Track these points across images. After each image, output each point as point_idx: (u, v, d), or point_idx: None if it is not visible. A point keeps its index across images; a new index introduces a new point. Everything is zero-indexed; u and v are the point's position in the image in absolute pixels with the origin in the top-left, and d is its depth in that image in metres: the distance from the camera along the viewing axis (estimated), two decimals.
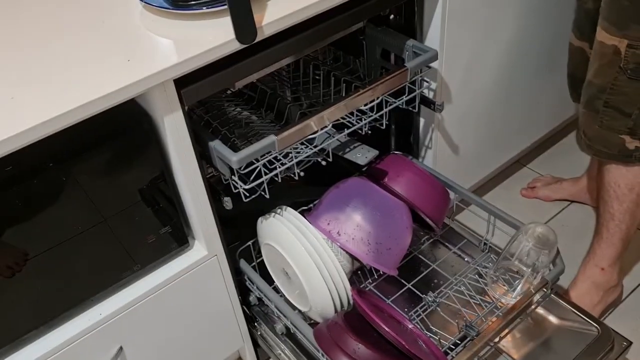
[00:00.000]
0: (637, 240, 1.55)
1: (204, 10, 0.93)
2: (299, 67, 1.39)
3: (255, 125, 1.31)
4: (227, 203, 1.12)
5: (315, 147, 1.10)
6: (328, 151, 1.12)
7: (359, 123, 1.13)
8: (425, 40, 1.26)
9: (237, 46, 0.89)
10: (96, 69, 0.87)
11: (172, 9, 0.95)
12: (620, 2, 1.09)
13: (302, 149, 1.08)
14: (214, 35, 0.89)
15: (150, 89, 0.85)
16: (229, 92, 1.38)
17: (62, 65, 0.89)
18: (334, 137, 1.13)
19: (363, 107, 1.10)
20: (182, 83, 0.90)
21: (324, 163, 1.14)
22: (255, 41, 0.90)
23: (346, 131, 1.13)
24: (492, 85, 1.47)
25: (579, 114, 1.29)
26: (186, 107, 0.92)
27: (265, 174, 1.03)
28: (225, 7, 0.89)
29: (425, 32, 1.25)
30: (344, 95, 1.23)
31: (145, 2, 0.97)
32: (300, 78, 1.39)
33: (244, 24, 0.87)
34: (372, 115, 1.13)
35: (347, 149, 1.19)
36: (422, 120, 1.39)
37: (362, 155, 1.17)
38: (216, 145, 0.99)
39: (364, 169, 1.26)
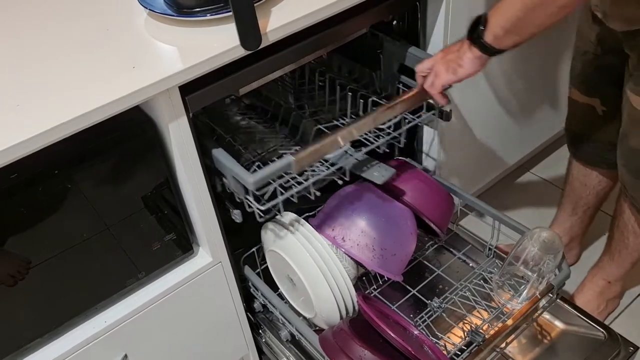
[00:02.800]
0: None
1: (208, 17, 0.94)
2: (303, 74, 1.38)
3: (258, 132, 1.30)
4: (237, 216, 1.09)
5: (332, 165, 1.06)
6: (345, 170, 1.08)
7: (376, 141, 1.10)
8: (428, 47, 1.26)
9: (241, 52, 0.90)
10: (101, 76, 0.87)
11: (177, 16, 0.95)
12: None
13: (318, 167, 1.05)
14: (218, 42, 0.89)
15: (155, 96, 0.85)
16: (232, 98, 1.38)
17: (67, 72, 0.89)
18: (352, 155, 1.08)
19: (382, 125, 1.08)
20: (187, 90, 0.90)
21: (340, 182, 1.11)
22: (260, 47, 0.90)
23: (364, 150, 1.10)
24: (496, 91, 1.47)
25: (623, 179, 1.24)
26: (191, 114, 0.92)
27: (281, 193, 1.01)
28: (230, 13, 0.89)
29: (428, 39, 1.25)
30: (346, 102, 1.23)
31: (149, 9, 0.97)
32: (306, 85, 1.38)
33: (248, 30, 0.87)
34: (391, 134, 1.10)
35: (364, 167, 1.16)
36: (425, 127, 1.38)
37: (379, 174, 1.15)
38: (231, 164, 0.97)
39: None
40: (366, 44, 1.26)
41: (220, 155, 1.00)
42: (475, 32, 0.93)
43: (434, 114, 1.19)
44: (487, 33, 0.92)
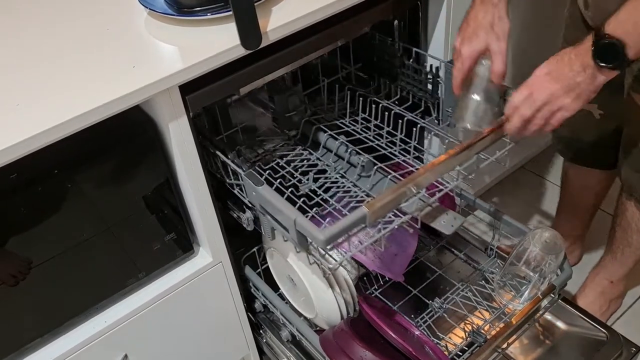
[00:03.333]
0: None
1: (209, 16, 0.93)
2: (303, 74, 1.37)
3: (261, 133, 1.30)
4: (248, 222, 1.05)
5: (403, 214, 0.96)
6: (417, 218, 1.00)
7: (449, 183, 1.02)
8: (429, 48, 1.25)
9: (242, 52, 0.89)
10: (101, 75, 0.87)
11: (177, 15, 0.95)
12: None
13: (390, 216, 0.96)
14: (218, 41, 0.89)
15: (155, 95, 0.85)
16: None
17: (66, 72, 0.89)
18: (424, 202, 0.99)
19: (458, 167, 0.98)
20: (187, 89, 0.90)
21: (411, 230, 1.06)
22: (260, 47, 0.90)
23: (437, 195, 1.00)
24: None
25: (630, 179, 1.23)
26: (191, 114, 0.92)
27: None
28: (230, 13, 0.89)
29: (429, 39, 1.25)
30: (347, 103, 1.23)
31: (149, 9, 0.97)
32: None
33: (249, 29, 0.87)
34: (465, 175, 1.01)
35: (434, 214, 1.09)
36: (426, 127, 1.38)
37: (447, 223, 1.08)
38: (292, 213, 0.87)
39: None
40: (366, 44, 1.26)
41: (276, 200, 0.91)
42: (617, 58, 0.84)
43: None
44: (630, 51, 0.84)
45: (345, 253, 0.96)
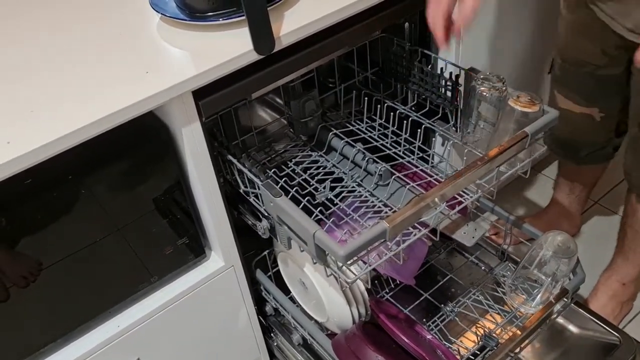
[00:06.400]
0: None
1: (221, 21, 0.93)
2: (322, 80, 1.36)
3: (275, 137, 1.29)
4: (264, 230, 1.04)
5: (422, 226, 0.96)
6: (437, 231, 0.99)
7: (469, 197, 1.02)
8: (440, 51, 1.24)
9: (255, 57, 0.89)
10: (114, 81, 0.87)
11: (189, 20, 0.95)
12: None
13: (409, 229, 0.96)
14: (231, 46, 0.89)
15: (168, 101, 0.85)
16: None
17: (79, 78, 0.89)
18: (445, 214, 0.98)
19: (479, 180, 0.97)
20: (200, 94, 0.90)
21: (430, 243, 1.06)
22: (274, 51, 0.90)
23: (457, 208, 1.00)
24: None
25: (632, 164, 1.25)
26: (204, 119, 0.92)
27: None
28: (242, 18, 0.89)
29: None
30: (354, 103, 1.22)
31: (161, 14, 0.97)
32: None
33: (262, 34, 0.87)
34: (486, 187, 0.99)
35: (455, 226, 1.09)
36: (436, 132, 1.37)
37: (468, 234, 1.07)
38: (311, 226, 0.87)
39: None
40: (381, 47, 1.25)
41: (295, 212, 0.90)
42: None
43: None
44: None
45: (364, 266, 0.95)
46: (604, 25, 1.11)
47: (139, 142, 0.91)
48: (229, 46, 0.89)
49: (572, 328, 1.21)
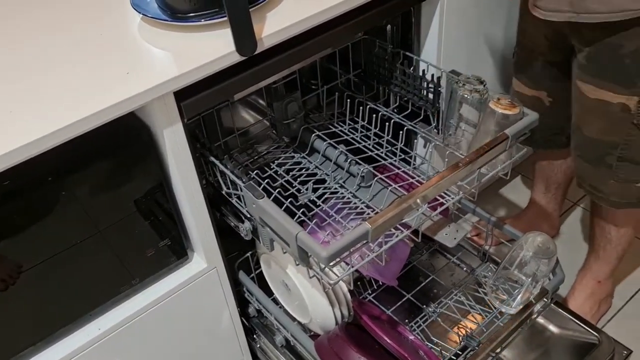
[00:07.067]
0: (633, 248, 1.56)
1: (203, 22, 0.93)
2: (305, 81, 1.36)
3: (258, 139, 1.29)
4: (246, 231, 1.04)
5: (405, 227, 0.96)
6: (419, 232, 1.00)
7: (451, 198, 1.03)
8: (422, 53, 1.26)
9: (237, 58, 0.89)
10: (95, 82, 0.86)
11: (171, 21, 0.95)
12: (622, 61, 1.07)
13: (391, 230, 0.95)
14: (213, 48, 0.89)
15: (150, 102, 0.85)
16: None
17: (60, 78, 0.88)
18: (427, 216, 0.99)
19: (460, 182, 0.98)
20: (182, 96, 0.89)
21: (412, 245, 1.07)
22: (256, 53, 0.90)
23: (439, 209, 1.00)
24: None
25: (580, 169, 1.26)
26: (186, 120, 0.92)
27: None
28: (224, 19, 0.89)
29: (422, 45, 1.25)
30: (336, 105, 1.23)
31: (143, 14, 0.96)
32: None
33: (244, 35, 0.87)
34: (467, 188, 1.00)
35: (437, 227, 1.09)
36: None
37: (449, 235, 1.08)
38: (292, 227, 0.87)
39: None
40: (362, 49, 1.26)
41: (277, 214, 0.89)
42: None
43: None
44: None
45: (346, 267, 0.95)
46: None
47: (120, 144, 0.90)
48: (210, 47, 0.89)
49: (552, 328, 1.22)
